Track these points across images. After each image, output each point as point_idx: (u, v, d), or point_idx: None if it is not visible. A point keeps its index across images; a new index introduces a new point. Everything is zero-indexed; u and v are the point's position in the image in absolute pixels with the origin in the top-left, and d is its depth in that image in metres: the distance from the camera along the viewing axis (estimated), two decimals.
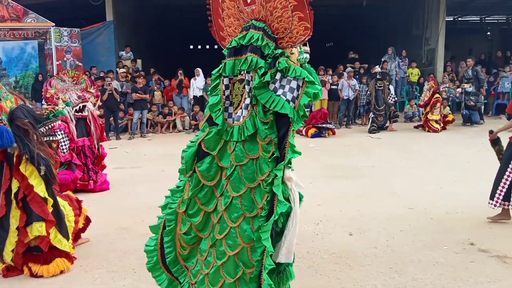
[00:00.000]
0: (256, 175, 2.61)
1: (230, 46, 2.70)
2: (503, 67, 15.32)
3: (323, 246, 4.26)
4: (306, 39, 2.56)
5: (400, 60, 15.11)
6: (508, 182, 4.75)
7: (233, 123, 2.68)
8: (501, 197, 4.79)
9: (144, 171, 7.74)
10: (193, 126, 12.59)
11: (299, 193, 2.64)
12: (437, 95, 11.68)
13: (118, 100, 11.73)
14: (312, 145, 9.91)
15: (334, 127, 11.59)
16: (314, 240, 4.44)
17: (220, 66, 2.74)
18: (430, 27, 15.90)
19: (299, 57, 2.66)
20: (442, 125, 11.57)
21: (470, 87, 12.46)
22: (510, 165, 4.78)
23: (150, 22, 19.57)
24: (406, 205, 5.45)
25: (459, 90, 12.77)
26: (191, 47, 29.69)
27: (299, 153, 2.56)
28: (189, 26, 24.61)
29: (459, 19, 22.16)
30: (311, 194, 6.04)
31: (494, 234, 4.50)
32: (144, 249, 3.05)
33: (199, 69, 13.40)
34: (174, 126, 12.75)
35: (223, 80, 2.72)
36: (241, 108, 2.65)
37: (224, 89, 2.71)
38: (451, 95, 13.01)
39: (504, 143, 4.94)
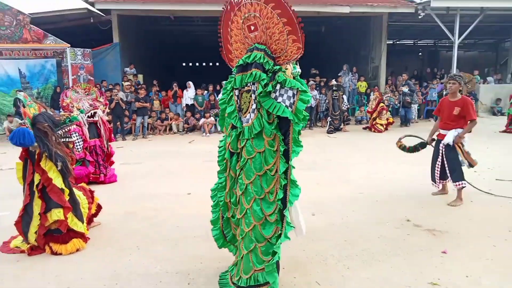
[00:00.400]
0: (262, 165, 2.72)
1: (238, 64, 2.84)
2: (432, 80, 15.72)
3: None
4: (299, 57, 2.71)
5: (352, 75, 15.27)
6: (439, 167, 5.01)
7: (243, 125, 2.81)
8: (438, 178, 5.07)
9: (145, 166, 7.61)
10: (186, 129, 12.46)
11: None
12: (382, 104, 11.85)
13: (124, 107, 11.51)
14: None
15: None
16: None
17: (231, 81, 2.89)
18: (375, 49, 16.11)
19: (292, 71, 2.78)
20: (385, 127, 11.76)
21: (406, 88, 12.73)
22: (439, 155, 4.97)
23: (150, 43, 19.30)
24: (357, 191, 5.50)
25: (403, 88, 12.93)
26: (184, 64, 29.39)
27: (302, 146, 2.68)
28: (182, 47, 24.42)
29: (397, 42, 22.53)
30: None
31: (425, 212, 4.58)
32: (213, 235, 3.16)
33: (190, 82, 13.30)
34: (170, 129, 12.57)
35: (234, 92, 2.86)
36: (249, 112, 2.77)
37: (236, 99, 2.85)
38: (391, 102, 13.21)
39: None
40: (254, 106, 2.73)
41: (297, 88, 2.64)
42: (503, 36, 20.70)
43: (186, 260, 3.50)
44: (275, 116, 2.69)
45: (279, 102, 2.65)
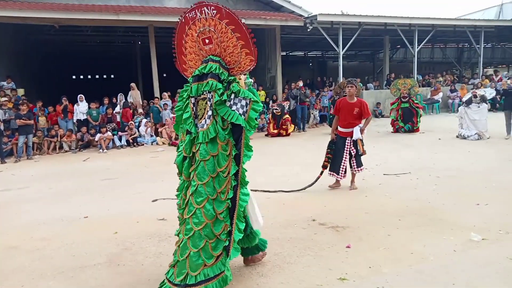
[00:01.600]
0: (215, 168, 2.93)
1: (194, 75, 3.05)
2: (323, 88, 17.00)
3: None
4: (251, 68, 3.02)
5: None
6: (346, 160, 5.70)
7: (198, 130, 3.02)
8: (343, 172, 5.71)
9: (31, 190, 6.68)
10: (79, 146, 11.36)
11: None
12: (286, 116, 12.34)
13: (1, 127, 10.03)
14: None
15: None
16: None
17: (187, 89, 3.10)
18: (271, 60, 16.82)
19: (246, 81, 3.10)
20: (285, 133, 12.22)
21: (302, 91, 13.46)
22: (345, 150, 5.67)
23: (32, 54, 17.30)
24: (264, 196, 5.55)
25: (299, 83, 13.64)
26: (74, 77, 27.04)
27: (252, 151, 2.99)
28: (71, 58, 22.46)
29: (290, 54, 23.95)
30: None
31: (328, 211, 4.80)
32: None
33: (82, 96, 12.25)
34: (61, 147, 11.35)
35: (191, 100, 3.06)
36: (204, 118, 2.99)
37: (192, 106, 3.05)
38: (286, 110, 13.82)
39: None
40: (210, 113, 2.96)
41: (250, 98, 2.95)
42: (378, 48, 23.49)
43: None
44: (229, 122, 2.94)
45: (234, 110, 2.93)
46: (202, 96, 3.00)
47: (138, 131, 12.08)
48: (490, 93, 12.44)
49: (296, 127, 13.08)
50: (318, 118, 14.81)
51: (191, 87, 3.04)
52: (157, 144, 11.94)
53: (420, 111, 11.56)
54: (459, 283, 2.96)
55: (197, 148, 2.99)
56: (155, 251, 3.82)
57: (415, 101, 11.72)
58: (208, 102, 2.96)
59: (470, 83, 18.16)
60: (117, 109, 12.69)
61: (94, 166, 8.80)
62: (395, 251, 3.58)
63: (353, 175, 5.75)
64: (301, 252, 3.64)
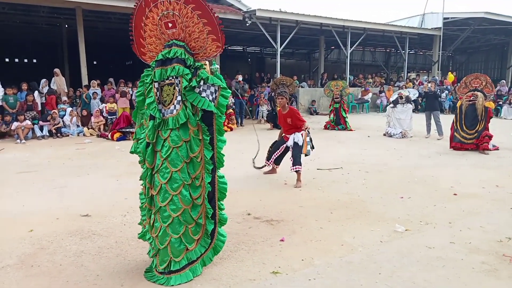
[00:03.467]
0: (188, 153, 2.95)
1: (157, 59, 2.98)
2: (261, 84, 17.11)
3: (131, 234, 3.85)
4: (217, 54, 2.99)
5: None
6: (278, 153, 6.03)
7: (166, 115, 2.96)
8: (272, 161, 6.09)
9: None
10: None
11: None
12: (230, 111, 12.18)
13: None
14: (117, 147, 9.14)
15: None
16: (122, 230, 3.98)
17: (149, 74, 3.03)
18: None
19: (211, 67, 3.07)
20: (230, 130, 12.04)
21: (241, 84, 13.37)
22: (283, 146, 5.95)
23: None
24: None
25: (238, 77, 13.60)
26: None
27: (223, 132, 3.03)
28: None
29: (229, 48, 23.82)
30: (118, 189, 5.52)
31: (263, 205, 4.79)
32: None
33: None
34: None
35: (154, 85, 2.98)
36: (173, 104, 2.93)
37: (156, 91, 2.97)
38: (228, 104, 13.78)
39: None
40: (179, 98, 2.92)
41: (219, 85, 2.96)
42: (314, 48, 24.29)
43: None
44: (198, 108, 2.92)
45: (203, 97, 2.91)
46: (168, 82, 2.95)
47: (63, 121, 11.17)
48: (413, 94, 13.45)
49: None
50: (266, 112, 14.80)
51: (154, 72, 2.96)
52: (84, 135, 11.15)
53: (344, 113, 12.06)
54: (384, 272, 3.09)
55: (166, 135, 2.95)
56: (76, 250, 3.50)
57: (345, 103, 12.34)
58: (176, 88, 2.93)
59: (396, 85, 19.51)
60: (37, 96, 11.55)
61: (10, 158, 7.95)
62: (326, 243, 3.66)
63: (298, 173, 5.69)
64: (234, 246, 3.57)
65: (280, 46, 15.92)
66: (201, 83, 2.93)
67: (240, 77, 13.68)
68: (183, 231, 2.97)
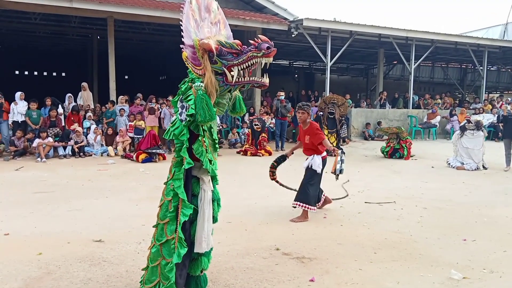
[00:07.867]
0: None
1: None
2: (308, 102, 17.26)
3: (144, 263, 4.00)
4: None
5: None
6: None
7: None
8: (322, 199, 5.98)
9: None
10: (13, 153, 11.02)
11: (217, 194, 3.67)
12: (264, 134, 12.47)
13: None
14: (142, 170, 9.55)
15: (164, 152, 11.36)
16: (135, 259, 4.17)
17: None
18: None
19: (194, 85, 3.15)
20: (267, 154, 12.17)
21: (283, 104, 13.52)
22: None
23: None
24: (224, 220, 5.48)
25: (280, 94, 13.83)
26: (17, 72, 26.55)
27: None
28: (13, 50, 22.06)
29: (273, 61, 24.26)
30: (137, 215, 5.78)
31: (295, 239, 4.82)
32: None
33: (23, 93, 11.97)
34: None
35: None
36: None
37: None
38: (267, 126, 14.00)
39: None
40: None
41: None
42: (372, 62, 24.18)
43: None
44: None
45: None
46: None
47: (86, 138, 11.88)
48: (487, 119, 12.88)
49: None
50: None
51: None
52: (108, 155, 11.76)
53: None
54: None
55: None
56: (83, 277, 3.72)
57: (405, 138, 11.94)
58: None
59: (471, 107, 18.85)
60: (60, 111, 12.41)
61: (28, 176, 8.57)
62: (363, 287, 3.61)
63: (303, 211, 5.60)
64: (256, 284, 3.63)
65: (331, 60, 16.04)
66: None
67: (282, 95, 13.86)
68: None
